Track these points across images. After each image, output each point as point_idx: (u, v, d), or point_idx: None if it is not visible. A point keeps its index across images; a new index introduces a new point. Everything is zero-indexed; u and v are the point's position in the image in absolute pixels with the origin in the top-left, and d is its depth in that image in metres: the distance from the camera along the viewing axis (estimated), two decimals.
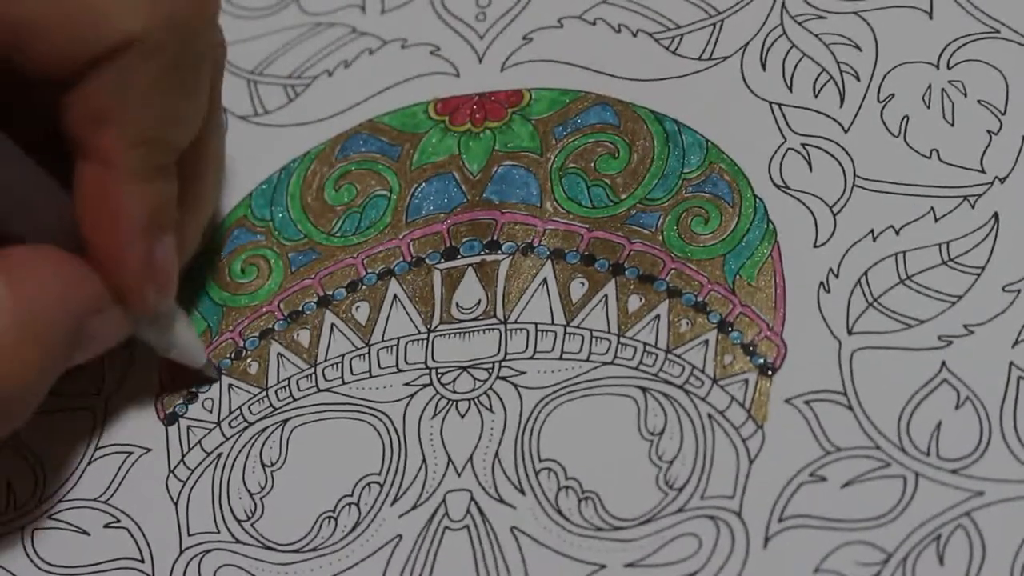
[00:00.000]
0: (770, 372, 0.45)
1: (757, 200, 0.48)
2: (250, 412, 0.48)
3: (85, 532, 0.47)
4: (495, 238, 0.49)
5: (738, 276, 0.47)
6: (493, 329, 0.47)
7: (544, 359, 0.47)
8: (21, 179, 0.43)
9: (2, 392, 0.42)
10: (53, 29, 0.41)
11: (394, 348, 0.48)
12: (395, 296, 0.49)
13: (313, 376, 0.48)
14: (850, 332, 0.45)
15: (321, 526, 0.46)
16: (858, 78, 0.49)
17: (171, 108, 0.44)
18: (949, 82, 0.48)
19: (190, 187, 0.46)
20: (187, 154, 0.45)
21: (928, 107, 0.48)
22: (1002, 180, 0.46)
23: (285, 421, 0.47)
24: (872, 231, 0.46)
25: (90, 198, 0.43)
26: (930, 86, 0.48)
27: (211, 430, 0.48)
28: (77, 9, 0.41)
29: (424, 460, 0.46)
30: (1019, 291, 0.45)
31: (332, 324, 0.48)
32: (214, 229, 0.51)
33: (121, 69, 0.42)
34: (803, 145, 0.48)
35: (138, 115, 0.43)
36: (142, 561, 0.46)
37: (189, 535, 0.46)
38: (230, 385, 0.48)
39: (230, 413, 0.48)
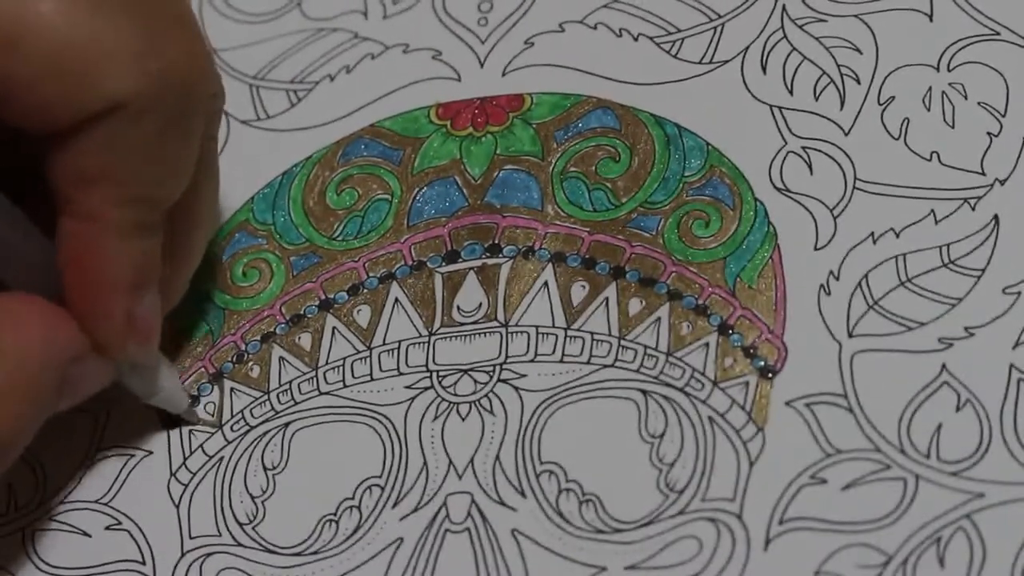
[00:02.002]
0: (771, 375, 0.45)
1: (758, 203, 0.48)
2: (251, 415, 0.48)
3: (86, 534, 0.47)
4: (496, 241, 0.49)
5: (739, 279, 0.47)
6: (494, 332, 0.47)
7: (545, 362, 0.47)
8: (3, 226, 0.43)
9: None
10: (42, 86, 0.41)
11: (395, 351, 0.48)
12: (396, 299, 0.49)
13: (314, 379, 0.48)
14: (850, 334, 0.45)
15: (322, 529, 0.46)
16: (858, 81, 0.49)
17: (161, 167, 0.43)
18: (949, 84, 0.48)
19: (179, 239, 0.45)
20: (178, 206, 0.44)
21: (928, 109, 0.48)
22: (1002, 182, 0.46)
23: (286, 424, 0.47)
24: (872, 234, 0.46)
25: (73, 253, 0.43)
26: (930, 88, 0.48)
27: (213, 433, 0.48)
28: (69, 68, 0.41)
29: (425, 463, 0.46)
30: (1019, 293, 0.45)
31: (333, 327, 0.49)
32: (216, 232, 0.51)
33: (111, 129, 0.41)
34: (803, 148, 0.48)
35: (127, 175, 0.42)
36: (143, 563, 0.46)
37: (191, 538, 0.46)
38: (232, 389, 0.48)
39: (232, 416, 0.48)
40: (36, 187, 0.43)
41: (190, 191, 0.44)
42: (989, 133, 0.47)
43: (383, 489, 0.46)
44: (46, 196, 0.43)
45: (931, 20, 0.49)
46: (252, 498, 0.47)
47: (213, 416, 0.48)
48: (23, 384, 0.42)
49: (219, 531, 0.46)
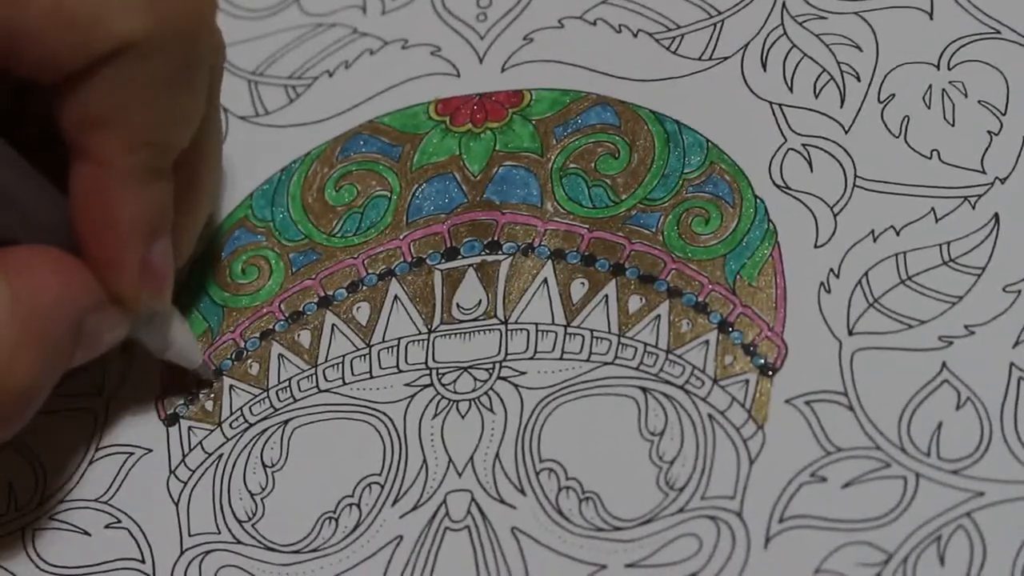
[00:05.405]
0: (771, 372, 0.45)
1: (758, 200, 0.48)
2: (251, 413, 0.48)
3: (86, 532, 0.47)
4: (496, 238, 0.49)
5: (739, 276, 0.47)
6: (494, 329, 0.47)
7: (545, 359, 0.47)
8: (15, 180, 0.43)
9: (6, 390, 0.42)
10: (49, 34, 0.41)
11: (395, 349, 0.48)
12: (396, 297, 0.49)
13: (314, 377, 0.48)
14: (851, 332, 0.45)
15: (322, 527, 0.46)
16: (859, 78, 0.49)
17: (169, 111, 0.43)
18: (950, 82, 0.48)
19: (187, 189, 0.46)
20: (184, 156, 0.45)
21: (929, 107, 0.48)
22: (1002, 180, 0.46)
23: (286, 422, 0.47)
24: (872, 231, 0.46)
25: (86, 200, 0.43)
26: (931, 86, 0.48)
27: (212, 431, 0.48)
28: (74, 14, 0.41)
29: (425, 461, 0.46)
30: (1020, 291, 0.45)
31: (333, 325, 0.49)
32: (215, 230, 0.51)
33: (118, 73, 0.42)
34: (804, 145, 0.48)
35: (135, 119, 0.43)
36: (143, 562, 0.46)
37: (190, 536, 0.46)
38: (231, 386, 0.48)
39: (231, 414, 0.48)
40: (46, 143, 0.43)
41: (196, 142, 0.45)
42: (989, 131, 0.47)
43: (383, 487, 0.46)
44: (57, 153, 0.43)
45: (931, 18, 0.49)
46: (251, 496, 0.47)
47: (212, 413, 0.48)
48: (39, 333, 0.42)
49: (218, 529, 0.46)
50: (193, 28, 0.43)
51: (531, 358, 0.47)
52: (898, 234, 0.46)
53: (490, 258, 0.49)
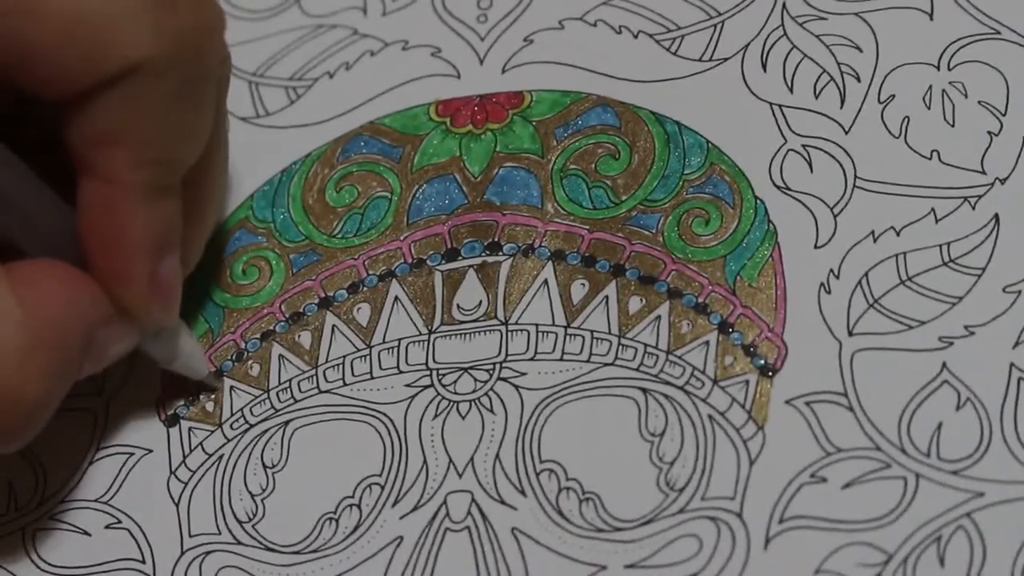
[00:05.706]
0: (771, 373, 0.45)
1: (758, 201, 0.48)
2: (251, 414, 0.48)
3: (86, 533, 0.47)
4: (496, 239, 0.49)
5: (739, 277, 0.47)
6: (494, 330, 0.47)
7: (545, 360, 0.47)
8: (15, 182, 0.43)
9: (17, 402, 0.42)
10: (61, 52, 0.41)
11: (395, 349, 0.48)
12: (396, 297, 0.49)
13: (314, 377, 0.48)
14: (851, 333, 0.45)
15: (322, 527, 0.46)
16: (859, 79, 0.49)
17: (177, 128, 0.43)
18: (950, 83, 0.48)
19: (194, 201, 0.46)
20: (192, 169, 0.45)
21: (929, 108, 0.48)
22: (1003, 181, 0.46)
23: (286, 423, 0.47)
24: (873, 232, 0.46)
25: (95, 217, 0.43)
26: (931, 87, 0.48)
27: (212, 431, 0.48)
28: (85, 32, 0.41)
29: (425, 461, 0.46)
30: (1020, 292, 0.45)
31: (333, 326, 0.49)
32: (216, 230, 0.51)
33: (128, 91, 0.42)
34: (804, 146, 0.48)
35: (144, 136, 0.43)
36: (143, 562, 0.46)
37: (190, 536, 0.46)
38: (231, 387, 0.48)
39: (232, 415, 0.48)
40: (46, 146, 0.44)
41: (202, 157, 0.45)
42: (989, 132, 0.47)
43: (383, 488, 0.46)
44: (58, 156, 0.43)
45: (931, 19, 0.49)
46: (252, 496, 0.47)
47: (213, 414, 0.48)
48: (49, 343, 0.42)
49: (219, 529, 0.46)
50: (202, 47, 0.43)
51: (531, 359, 0.47)
52: (898, 235, 0.46)
53: (490, 259, 0.49)
